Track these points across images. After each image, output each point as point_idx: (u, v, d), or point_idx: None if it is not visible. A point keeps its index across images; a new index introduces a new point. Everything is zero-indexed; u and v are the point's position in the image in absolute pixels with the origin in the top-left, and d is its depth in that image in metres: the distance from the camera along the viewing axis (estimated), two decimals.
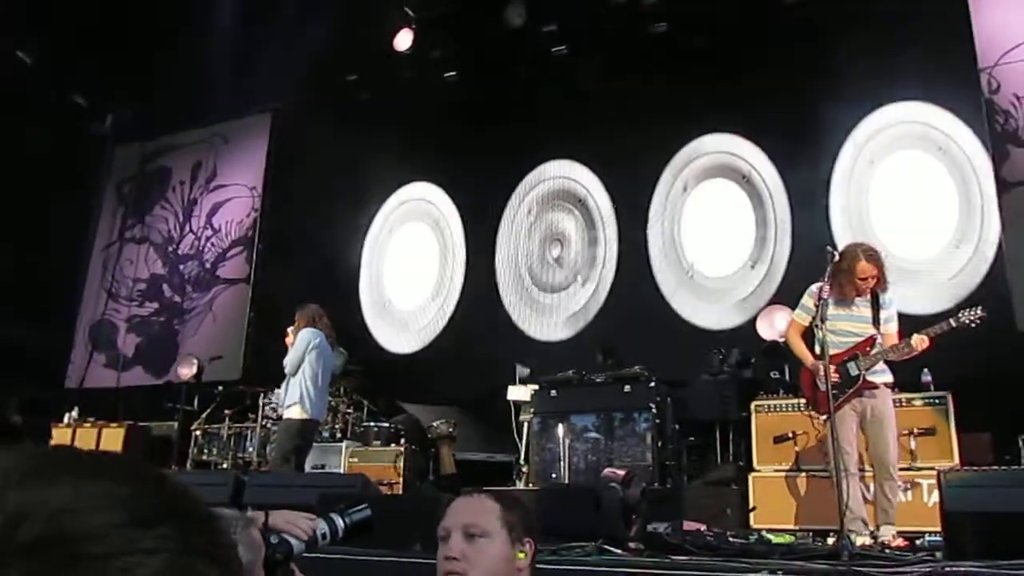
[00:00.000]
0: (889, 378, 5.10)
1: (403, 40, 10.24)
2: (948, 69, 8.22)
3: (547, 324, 10.42)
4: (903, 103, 8.78)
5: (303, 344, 6.65)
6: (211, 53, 9.99)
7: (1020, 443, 6.42)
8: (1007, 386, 7.41)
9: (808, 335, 5.31)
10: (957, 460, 5.87)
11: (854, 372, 5.01)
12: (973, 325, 4.89)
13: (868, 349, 5.02)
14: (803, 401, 6.31)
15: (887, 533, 4.78)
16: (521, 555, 1.93)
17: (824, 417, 5.05)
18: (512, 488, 7.15)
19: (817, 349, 5.08)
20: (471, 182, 11.29)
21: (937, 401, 6.07)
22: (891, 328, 5.08)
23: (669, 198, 10.03)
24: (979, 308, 4.93)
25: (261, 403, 8.49)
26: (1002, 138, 7.76)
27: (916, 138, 8.76)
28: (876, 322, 5.06)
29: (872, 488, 5.23)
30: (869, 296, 5.11)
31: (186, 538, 0.55)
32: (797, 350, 5.28)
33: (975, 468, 5.57)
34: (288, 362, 6.65)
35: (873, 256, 5.07)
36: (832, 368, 4.89)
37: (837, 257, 5.00)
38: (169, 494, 0.58)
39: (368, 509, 1.99)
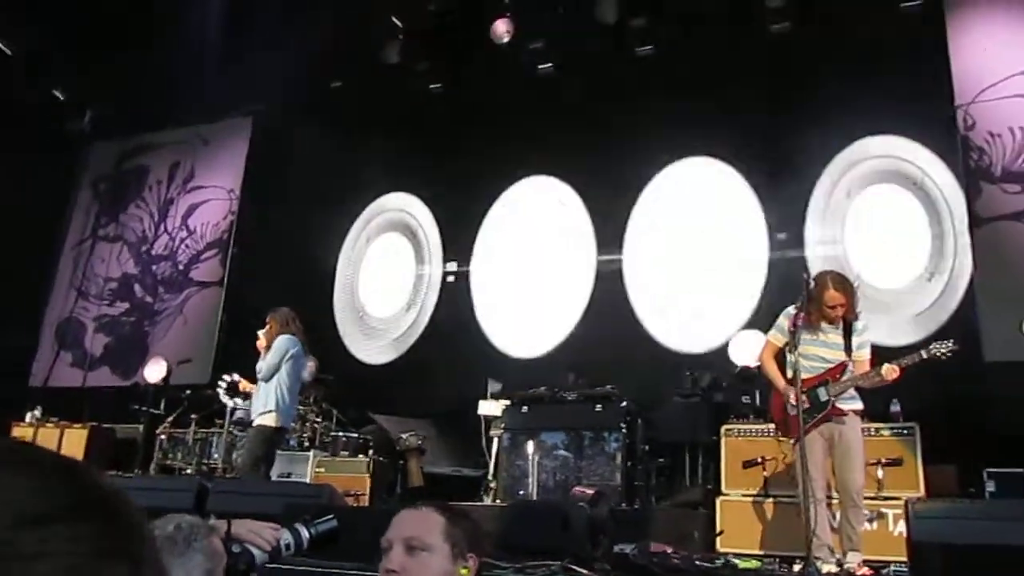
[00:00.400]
0: (859, 405, 5.12)
1: (391, 51, 10.24)
2: (926, 103, 8.36)
3: (522, 339, 10.40)
4: (879, 136, 8.91)
5: (281, 351, 6.56)
6: (195, 54, 9.93)
7: (984, 476, 6.49)
8: (973, 419, 7.52)
9: (779, 358, 5.34)
10: (923, 491, 5.91)
11: (823, 398, 5.01)
12: (944, 358, 4.93)
13: (838, 376, 5.04)
14: (772, 427, 6.38)
15: (853, 560, 4.79)
16: (464, 571, 1.89)
17: (792, 441, 5.07)
18: (479, 504, 7.10)
19: (789, 373, 5.11)
20: (451, 194, 11.27)
21: (905, 432, 6.12)
22: (863, 355, 5.09)
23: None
24: (951, 341, 4.97)
25: (229, 409, 8.38)
26: (975, 174, 7.90)
27: (891, 172, 8.88)
28: (848, 349, 5.07)
29: (838, 515, 5.26)
30: (841, 323, 5.13)
31: (97, 539, 0.50)
32: (770, 373, 5.27)
33: (943, 499, 5.60)
34: (264, 368, 6.54)
35: (842, 284, 5.11)
36: (791, 391, 4.94)
37: (812, 283, 5.05)
38: (80, 488, 0.52)
39: (334, 520, 1.96)
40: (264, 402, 6.52)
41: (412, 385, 9.99)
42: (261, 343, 6.76)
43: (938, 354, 4.91)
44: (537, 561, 4.14)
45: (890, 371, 4.89)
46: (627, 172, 10.13)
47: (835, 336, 5.12)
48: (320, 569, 3.71)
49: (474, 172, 10.91)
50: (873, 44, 8.54)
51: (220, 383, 8.17)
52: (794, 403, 4.94)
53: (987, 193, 7.82)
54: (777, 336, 5.26)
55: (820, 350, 5.10)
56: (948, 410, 7.07)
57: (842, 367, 5.05)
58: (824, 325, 5.13)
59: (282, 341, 6.61)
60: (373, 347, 11.37)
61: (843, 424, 5.02)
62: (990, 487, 6.42)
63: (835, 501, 5.38)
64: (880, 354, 5.37)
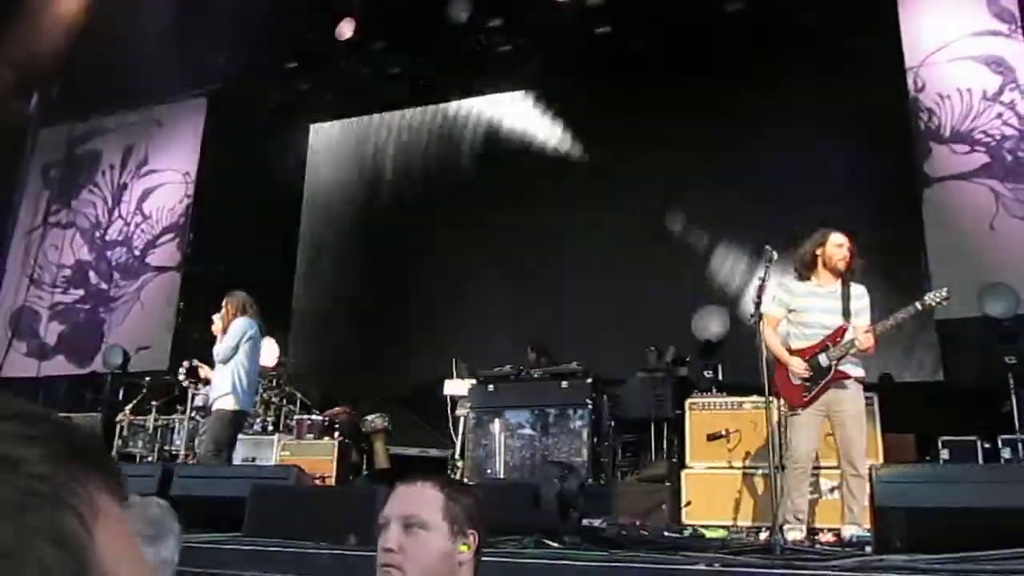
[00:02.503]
0: (860, 372, 5.01)
1: (346, 29, 10.11)
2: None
3: (487, 318, 10.41)
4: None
5: (238, 333, 6.47)
6: (146, 34, 9.69)
7: (939, 444, 6.66)
8: (929, 387, 7.72)
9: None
10: (882, 460, 6.03)
11: (824, 363, 4.93)
12: (940, 306, 4.88)
13: (838, 340, 4.94)
14: (735, 399, 6.48)
15: (848, 533, 4.73)
16: (464, 548, 1.83)
17: (791, 411, 5.03)
18: None
19: (791, 343, 5.08)
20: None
21: (865, 402, 6.21)
22: (861, 321, 4.98)
23: None
24: (945, 289, 4.88)
25: (190, 395, 8.27)
26: (925, 135, 8.09)
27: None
28: (847, 314, 5.00)
29: (824, 484, 5.29)
30: (841, 285, 5.08)
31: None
32: (772, 345, 5.08)
33: (905, 464, 5.72)
34: (221, 351, 6.45)
35: (846, 236, 5.10)
36: (803, 362, 4.91)
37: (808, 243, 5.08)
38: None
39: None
40: (222, 386, 6.43)
41: (376, 367, 9.94)
42: (216, 327, 6.64)
43: (932, 303, 4.84)
44: (508, 537, 4.15)
45: (863, 340, 4.82)
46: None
47: (834, 300, 5.03)
48: (292, 549, 3.69)
49: None
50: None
51: (180, 369, 8.06)
52: (795, 372, 4.90)
53: (936, 153, 8.02)
54: (777, 309, 5.16)
55: (818, 315, 5.02)
56: (905, 380, 7.26)
57: (841, 331, 4.95)
58: (822, 287, 5.05)
59: (239, 323, 6.51)
60: (337, 329, 11.30)
61: (845, 389, 4.92)
62: (944, 455, 6.60)
63: (825, 470, 5.46)
64: None
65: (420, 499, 1.85)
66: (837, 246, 5.03)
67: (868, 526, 4.33)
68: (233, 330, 6.50)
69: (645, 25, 9.77)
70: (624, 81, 10.11)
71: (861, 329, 4.89)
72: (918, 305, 4.85)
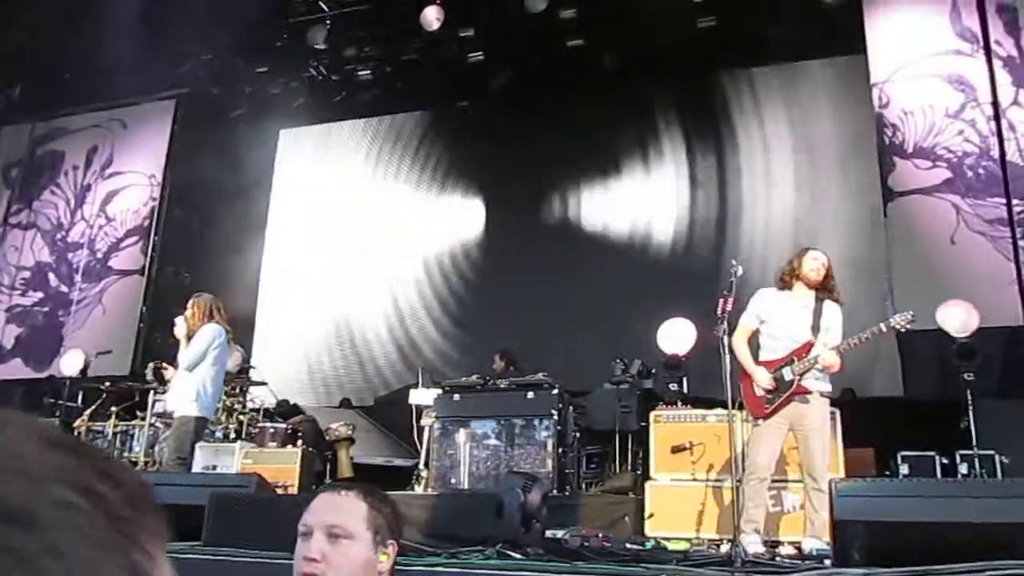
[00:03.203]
0: (825, 387, 5.05)
1: (317, 35, 10.07)
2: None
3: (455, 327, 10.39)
4: None
5: (207, 340, 6.34)
6: (113, 33, 9.57)
7: (899, 459, 6.74)
8: (887, 401, 7.83)
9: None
10: (843, 474, 6.08)
11: (788, 377, 4.97)
12: (904, 329, 4.95)
13: (804, 355, 4.99)
14: (699, 412, 6.51)
15: (809, 546, 4.75)
16: (384, 558, 1.84)
17: (754, 422, 5.08)
18: (410, 493, 7.06)
19: (760, 355, 5.13)
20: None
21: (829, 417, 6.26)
22: (830, 338, 5.01)
23: None
24: (910, 313, 4.95)
25: (151, 400, 8.13)
26: (889, 150, 8.25)
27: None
28: (816, 329, 5.04)
29: (789, 498, 5.35)
30: (814, 302, 5.12)
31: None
32: (742, 358, 5.14)
33: (864, 478, 5.77)
34: (188, 357, 6.29)
35: (817, 249, 5.23)
36: (768, 374, 4.96)
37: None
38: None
39: None
40: (185, 392, 6.31)
41: (341, 375, 9.88)
42: (180, 330, 6.50)
43: (897, 326, 4.90)
44: (471, 548, 4.14)
45: (826, 358, 4.86)
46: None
47: (806, 316, 5.09)
48: (253, 560, 3.64)
49: None
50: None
51: (147, 370, 7.91)
52: (759, 384, 4.95)
53: (900, 168, 8.18)
54: (751, 319, 5.20)
55: (789, 328, 5.07)
56: (865, 394, 7.34)
57: (808, 346, 5.00)
58: (797, 302, 5.11)
59: (209, 330, 6.40)
60: (302, 337, 11.21)
61: (807, 403, 4.95)
62: (904, 469, 6.68)
63: (788, 482, 5.52)
64: None
65: (345, 508, 1.85)
66: (812, 259, 5.13)
67: (828, 539, 4.35)
68: (201, 336, 6.38)
69: (615, 40, 9.85)
70: (594, 96, 10.18)
71: (828, 346, 4.93)
72: (883, 326, 4.90)
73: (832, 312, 5.11)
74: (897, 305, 7.70)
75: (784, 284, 5.19)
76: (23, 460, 0.46)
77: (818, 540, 4.70)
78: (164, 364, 7.26)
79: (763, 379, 4.97)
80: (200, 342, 6.33)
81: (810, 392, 4.96)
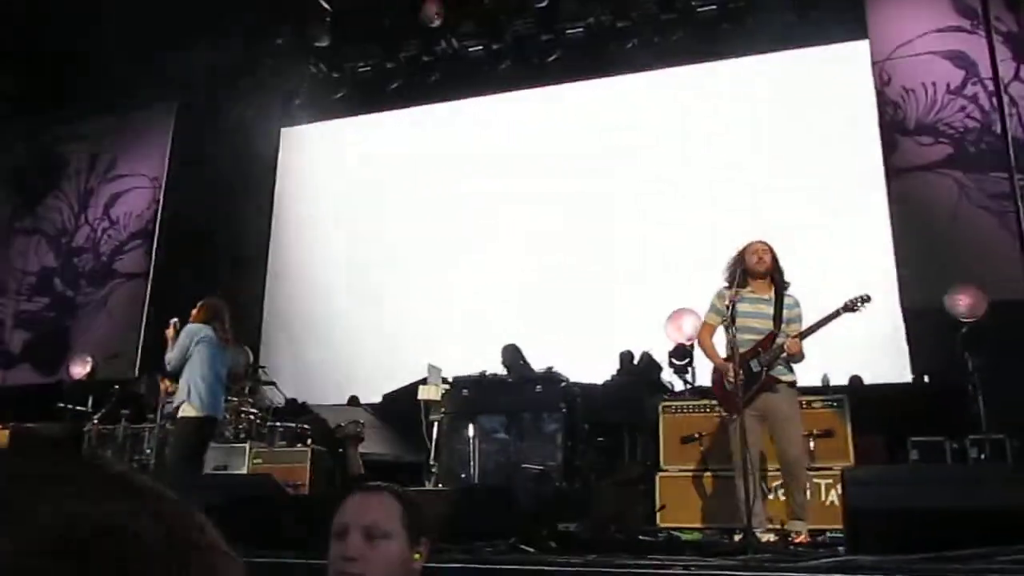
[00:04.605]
0: (791, 377, 5.19)
1: (319, 33, 10.07)
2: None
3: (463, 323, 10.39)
4: None
5: (186, 340, 6.30)
6: (116, 38, 9.56)
7: (909, 445, 6.73)
8: (896, 388, 7.82)
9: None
10: (853, 461, 6.08)
11: (755, 369, 5.08)
12: (859, 310, 5.03)
13: (768, 346, 5.11)
14: (709, 402, 6.51)
15: (794, 528, 4.88)
16: (418, 556, 1.88)
17: (732, 416, 5.14)
18: (422, 489, 7.08)
19: (722, 351, 5.24)
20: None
21: (835, 404, 6.27)
22: (793, 328, 5.15)
23: None
24: (865, 294, 5.07)
25: (160, 402, 8.15)
26: (891, 127, 8.25)
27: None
28: (778, 320, 5.16)
29: (773, 487, 5.38)
30: (773, 296, 5.23)
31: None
32: (708, 352, 5.38)
33: (877, 465, 5.78)
34: (169, 359, 6.31)
35: (762, 240, 5.33)
36: (738, 368, 4.99)
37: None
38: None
39: None
40: (180, 393, 6.31)
41: (349, 373, 9.89)
42: (169, 332, 6.50)
43: (853, 307, 5.02)
44: (484, 542, 4.15)
45: (792, 344, 4.99)
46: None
47: (766, 307, 5.21)
48: (264, 560, 3.65)
49: None
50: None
51: (147, 382, 7.92)
52: (731, 379, 5.04)
53: (902, 145, 8.18)
54: (713, 317, 5.35)
55: (751, 321, 5.17)
56: (875, 381, 7.34)
57: (772, 337, 5.12)
58: (755, 295, 5.22)
59: (186, 329, 6.36)
60: (308, 336, 11.22)
61: (776, 392, 5.08)
62: (914, 455, 6.68)
63: (770, 473, 5.55)
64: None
65: (382, 508, 1.88)
66: (752, 253, 5.25)
67: (810, 524, 4.70)
68: (181, 338, 6.35)
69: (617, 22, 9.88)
70: (594, 88, 10.17)
71: (791, 335, 5.07)
72: (841, 308, 5.03)
73: (792, 304, 5.24)
74: (903, 283, 7.73)
75: (738, 282, 5.25)
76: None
77: (801, 522, 4.89)
78: (160, 375, 7.26)
79: (731, 373, 5.05)
80: (179, 344, 6.30)
81: (779, 382, 5.10)
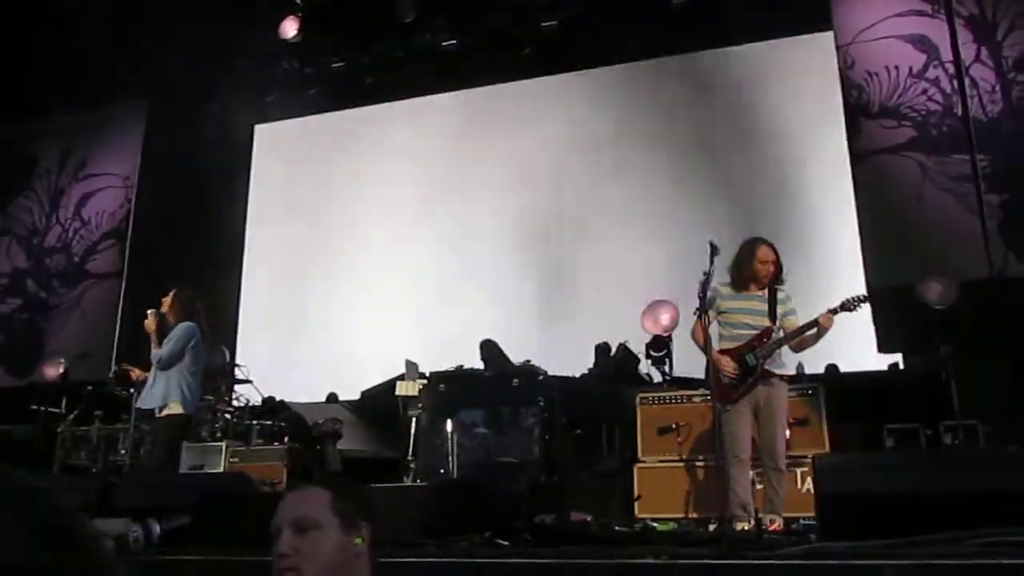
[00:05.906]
0: (787, 371, 5.29)
1: (289, 28, 10.00)
2: None
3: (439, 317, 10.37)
4: None
5: (184, 339, 6.26)
6: (86, 35, 9.45)
7: (884, 433, 6.79)
8: (871, 375, 7.88)
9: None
10: (828, 449, 6.13)
11: (751, 363, 5.15)
12: (856, 309, 5.17)
13: (764, 340, 5.18)
14: (685, 393, 6.55)
15: (771, 518, 4.94)
16: (358, 540, 1.89)
17: (724, 407, 5.16)
18: (400, 485, 7.05)
19: (716, 344, 5.24)
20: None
21: (810, 392, 6.31)
22: (789, 322, 5.25)
23: None
24: (861, 295, 5.21)
25: (134, 403, 8.06)
26: (855, 110, 8.33)
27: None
28: (772, 316, 5.23)
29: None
30: (767, 291, 5.29)
31: None
32: (704, 347, 5.21)
33: (846, 453, 5.83)
34: (164, 356, 6.21)
35: (770, 244, 5.37)
36: (733, 361, 5.10)
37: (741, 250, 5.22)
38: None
39: (188, 518, 1.94)
40: (167, 391, 6.20)
41: (326, 370, 9.85)
42: (151, 323, 6.40)
43: (851, 307, 5.14)
44: (460, 537, 4.14)
45: (827, 318, 5.06)
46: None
47: (760, 304, 5.28)
48: (240, 558, 3.62)
49: None
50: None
51: (110, 374, 7.82)
52: (721, 371, 5.07)
53: (866, 128, 8.25)
54: (709, 314, 5.29)
55: (745, 317, 5.25)
56: (849, 370, 7.39)
57: (768, 332, 5.19)
58: (751, 292, 5.29)
59: (185, 328, 6.32)
60: (284, 333, 11.16)
61: (771, 386, 5.17)
62: (889, 442, 6.73)
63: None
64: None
65: (308, 500, 1.90)
66: (762, 263, 5.29)
67: (786, 514, 4.81)
68: (178, 335, 6.30)
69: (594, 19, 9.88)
70: (569, 80, 10.17)
71: (791, 328, 5.18)
72: (839, 307, 5.13)
73: (785, 299, 5.32)
74: (870, 264, 7.82)
75: (738, 281, 5.34)
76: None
77: (778, 516, 4.98)
78: (127, 366, 7.17)
79: (728, 366, 5.13)
80: (177, 341, 6.24)
81: (774, 375, 5.18)
